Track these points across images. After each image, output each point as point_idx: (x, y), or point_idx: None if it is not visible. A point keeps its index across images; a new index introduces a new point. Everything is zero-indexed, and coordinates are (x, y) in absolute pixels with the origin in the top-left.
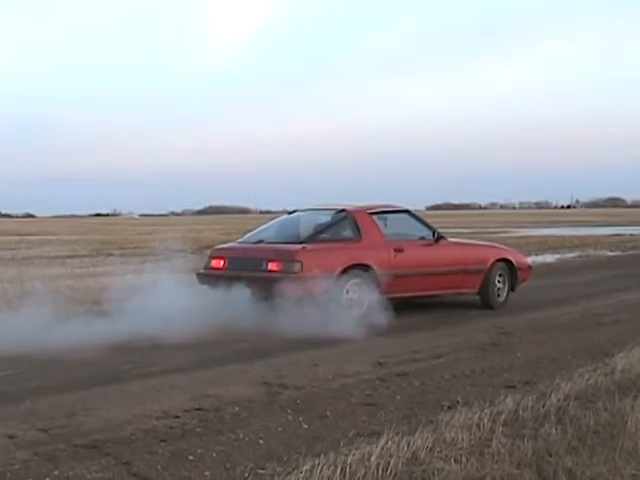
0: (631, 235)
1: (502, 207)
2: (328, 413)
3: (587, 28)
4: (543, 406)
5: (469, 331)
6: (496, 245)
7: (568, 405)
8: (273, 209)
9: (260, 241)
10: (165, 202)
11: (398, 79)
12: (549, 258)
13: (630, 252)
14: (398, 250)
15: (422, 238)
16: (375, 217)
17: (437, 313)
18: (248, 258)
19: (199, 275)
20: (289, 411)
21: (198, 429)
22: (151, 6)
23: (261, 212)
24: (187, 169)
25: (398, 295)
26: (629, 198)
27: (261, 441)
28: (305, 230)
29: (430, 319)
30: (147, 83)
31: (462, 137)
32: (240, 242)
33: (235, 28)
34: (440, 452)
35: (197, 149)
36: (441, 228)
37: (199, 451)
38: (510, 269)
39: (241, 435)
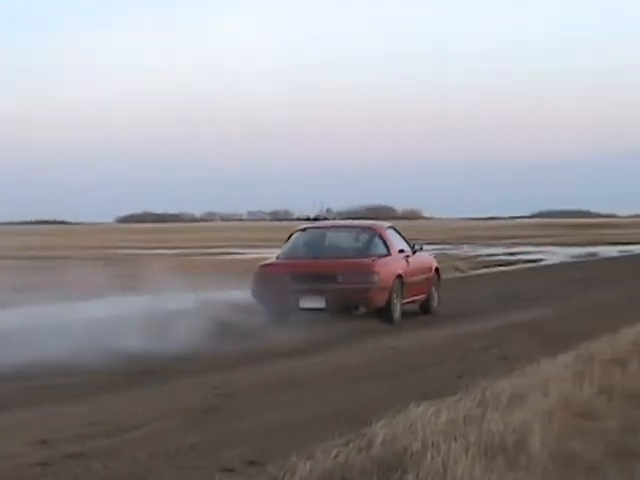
0: None
1: (225, 219)
2: None
3: None
4: None
5: (176, 392)
6: (428, 255)
7: None
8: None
9: (317, 257)
10: None
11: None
12: None
13: None
14: (407, 261)
15: (402, 251)
16: (390, 232)
17: (133, 365)
18: (316, 272)
19: (257, 292)
20: None
21: None
22: None
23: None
24: None
25: (407, 300)
26: (400, 207)
27: None
28: (350, 245)
29: (122, 375)
30: None
31: (162, 126)
32: (288, 258)
33: None
34: None
35: None
36: (132, 249)
37: None
38: (439, 277)
39: None
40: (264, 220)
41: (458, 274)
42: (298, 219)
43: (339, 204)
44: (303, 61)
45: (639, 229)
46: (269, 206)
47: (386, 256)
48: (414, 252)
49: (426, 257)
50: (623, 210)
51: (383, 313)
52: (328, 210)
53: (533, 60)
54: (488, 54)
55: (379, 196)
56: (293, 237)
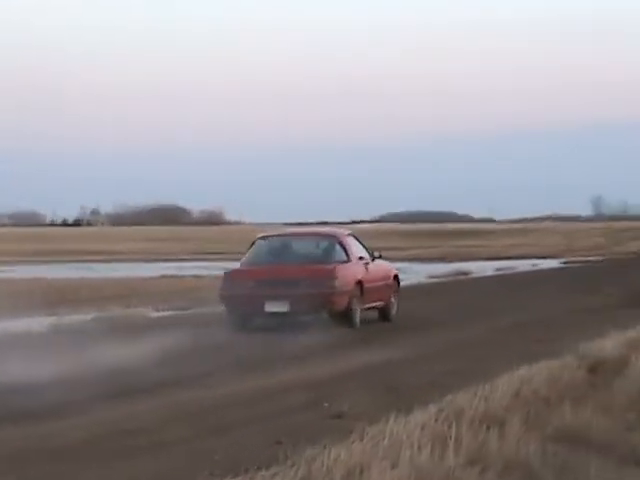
0: (195, 276)
1: None
2: None
3: None
4: None
5: None
6: (387, 263)
7: None
8: None
9: (280, 263)
10: None
11: None
12: (37, 324)
13: (205, 309)
14: (366, 267)
15: (361, 257)
16: (350, 239)
17: None
18: (279, 278)
19: (225, 297)
20: None
21: None
22: None
23: None
24: None
25: (366, 306)
26: (196, 209)
27: None
28: (311, 252)
29: None
30: None
31: None
32: (252, 264)
33: None
34: None
35: None
36: None
37: None
38: (398, 284)
39: None
40: (4, 225)
41: None
42: (53, 224)
43: (113, 202)
44: None
45: (519, 238)
46: (9, 207)
47: (346, 262)
48: (373, 259)
49: (385, 264)
50: (501, 213)
51: (344, 317)
52: (94, 212)
53: None
54: None
55: (168, 196)
56: (256, 244)
